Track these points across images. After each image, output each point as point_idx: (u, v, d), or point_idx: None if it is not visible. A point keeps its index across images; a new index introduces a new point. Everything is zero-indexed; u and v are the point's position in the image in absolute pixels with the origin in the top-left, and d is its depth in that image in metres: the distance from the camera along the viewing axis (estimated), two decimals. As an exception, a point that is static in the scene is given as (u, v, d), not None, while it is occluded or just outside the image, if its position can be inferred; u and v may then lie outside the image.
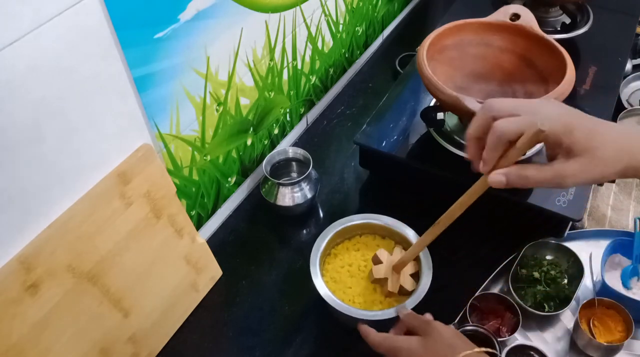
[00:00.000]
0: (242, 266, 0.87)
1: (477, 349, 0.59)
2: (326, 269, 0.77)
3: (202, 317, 0.81)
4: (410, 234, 0.77)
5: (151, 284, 0.73)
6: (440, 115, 0.93)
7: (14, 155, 0.53)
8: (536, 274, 0.80)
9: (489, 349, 0.62)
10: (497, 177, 0.52)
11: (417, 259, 0.75)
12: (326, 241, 0.77)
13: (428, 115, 0.90)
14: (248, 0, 0.78)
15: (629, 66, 1.14)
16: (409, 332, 0.66)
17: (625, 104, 1.10)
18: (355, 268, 0.77)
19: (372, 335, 0.66)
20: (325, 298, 0.71)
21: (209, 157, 0.83)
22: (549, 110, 0.52)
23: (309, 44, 0.99)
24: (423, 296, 0.71)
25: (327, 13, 1.01)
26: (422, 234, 0.70)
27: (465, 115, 0.87)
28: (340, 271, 0.77)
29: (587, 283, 0.82)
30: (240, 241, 0.91)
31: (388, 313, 0.69)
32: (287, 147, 0.99)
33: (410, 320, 0.66)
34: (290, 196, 0.90)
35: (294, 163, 0.97)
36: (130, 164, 0.66)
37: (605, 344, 0.73)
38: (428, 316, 0.68)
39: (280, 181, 0.89)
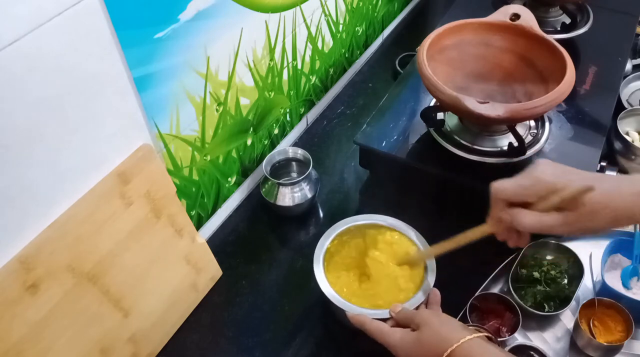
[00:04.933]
0: (242, 266, 0.87)
1: (475, 335, 0.58)
2: (329, 266, 0.77)
3: (202, 317, 0.81)
4: (413, 235, 0.77)
5: (151, 284, 0.73)
6: (440, 115, 0.93)
7: (14, 155, 0.53)
8: (536, 274, 0.81)
9: (485, 334, 0.61)
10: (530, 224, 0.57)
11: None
12: (330, 239, 0.77)
13: (428, 115, 0.90)
14: (248, 0, 0.78)
15: (629, 66, 1.14)
16: (404, 326, 0.65)
17: (625, 104, 1.10)
18: (358, 267, 0.77)
19: (367, 324, 0.66)
20: (328, 295, 0.71)
21: (209, 157, 0.83)
22: (550, 171, 0.58)
23: (309, 44, 0.99)
24: (425, 297, 0.71)
25: (327, 13, 1.01)
26: (435, 244, 0.73)
27: (465, 116, 0.87)
28: (343, 270, 0.77)
29: (587, 283, 0.82)
30: (240, 241, 0.91)
31: (387, 312, 0.69)
32: (287, 147, 0.99)
33: (402, 317, 0.66)
34: (290, 196, 0.90)
35: (294, 163, 0.97)
36: (130, 164, 0.66)
37: (605, 344, 0.73)
38: (422, 308, 0.69)
39: (280, 181, 0.89)
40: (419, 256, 0.75)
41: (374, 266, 0.76)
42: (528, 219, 0.56)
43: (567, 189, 0.54)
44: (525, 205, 0.57)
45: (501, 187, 0.59)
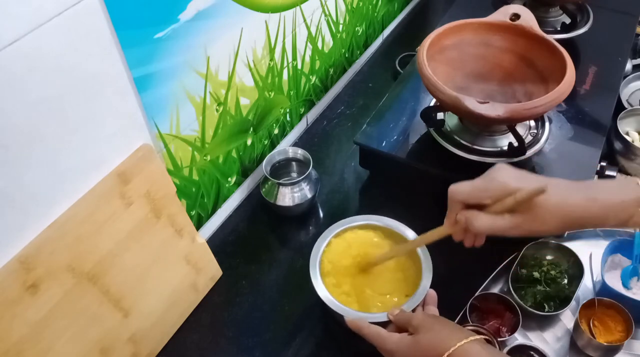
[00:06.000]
0: (242, 266, 0.88)
1: (473, 338, 0.58)
2: (326, 270, 0.77)
3: (202, 317, 0.81)
4: (410, 235, 0.77)
5: (151, 284, 0.73)
6: (440, 115, 0.93)
7: (14, 155, 0.53)
8: (536, 274, 0.81)
9: (483, 336, 0.61)
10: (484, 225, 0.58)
11: (416, 261, 0.75)
12: (326, 241, 0.77)
13: (428, 115, 0.90)
14: (248, 0, 0.78)
15: (629, 66, 1.15)
16: (402, 329, 0.65)
17: (625, 104, 1.10)
18: (355, 269, 0.77)
19: (365, 329, 0.66)
20: (325, 300, 0.71)
21: (209, 157, 0.83)
22: (505, 174, 0.58)
23: (309, 44, 0.99)
24: (423, 298, 0.71)
25: (327, 13, 1.01)
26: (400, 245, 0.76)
27: (465, 116, 0.87)
28: (340, 272, 0.77)
29: (587, 283, 0.82)
30: (240, 241, 0.91)
31: (385, 315, 0.69)
32: (287, 147, 0.99)
33: (400, 320, 0.66)
34: (290, 196, 0.90)
35: (294, 163, 0.97)
36: (130, 164, 0.66)
37: (605, 344, 0.73)
38: (419, 310, 0.69)
39: (280, 181, 0.89)
40: (381, 257, 0.75)
41: (372, 270, 0.76)
42: (481, 222, 0.58)
43: (521, 191, 0.55)
44: (481, 207, 0.58)
45: (457, 189, 0.60)
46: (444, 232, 0.65)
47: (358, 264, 0.76)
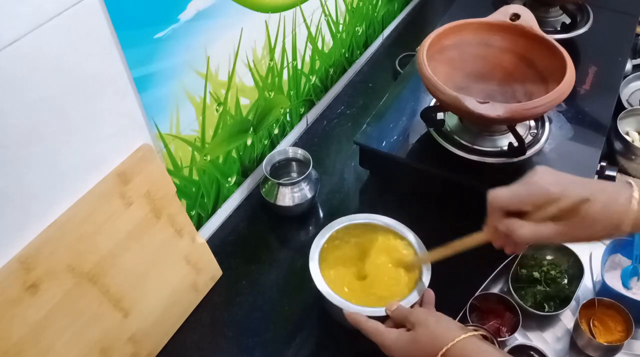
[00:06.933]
0: (242, 266, 0.88)
1: (470, 334, 0.58)
2: (325, 265, 0.77)
3: (202, 317, 0.81)
4: (409, 235, 0.77)
5: (151, 284, 0.73)
6: (440, 115, 0.93)
7: (13, 155, 0.53)
8: (536, 274, 0.81)
9: (481, 332, 0.61)
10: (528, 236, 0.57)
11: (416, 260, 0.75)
12: (326, 238, 0.77)
13: (428, 115, 0.90)
14: (248, 0, 0.78)
15: (629, 66, 1.15)
16: (400, 325, 0.65)
17: (625, 104, 1.10)
18: (354, 265, 0.77)
19: (363, 324, 0.66)
20: (324, 293, 0.71)
21: (209, 157, 0.83)
22: (546, 179, 0.56)
23: (309, 44, 0.99)
24: (421, 295, 0.71)
25: (327, 13, 1.01)
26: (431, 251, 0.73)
27: (465, 116, 0.87)
28: (339, 267, 0.77)
29: (587, 283, 0.82)
30: (240, 241, 0.91)
31: (383, 310, 0.69)
32: (287, 147, 0.99)
33: (397, 316, 0.66)
34: (290, 196, 0.90)
35: (294, 163, 0.97)
36: (130, 164, 0.66)
37: (605, 344, 0.73)
38: (417, 307, 0.69)
39: (280, 181, 0.89)
40: (414, 261, 0.75)
41: (371, 266, 0.76)
42: (524, 231, 0.56)
43: (564, 199, 0.53)
44: (522, 213, 0.57)
45: (497, 195, 0.58)
46: (483, 238, 0.62)
47: (360, 254, 0.76)
